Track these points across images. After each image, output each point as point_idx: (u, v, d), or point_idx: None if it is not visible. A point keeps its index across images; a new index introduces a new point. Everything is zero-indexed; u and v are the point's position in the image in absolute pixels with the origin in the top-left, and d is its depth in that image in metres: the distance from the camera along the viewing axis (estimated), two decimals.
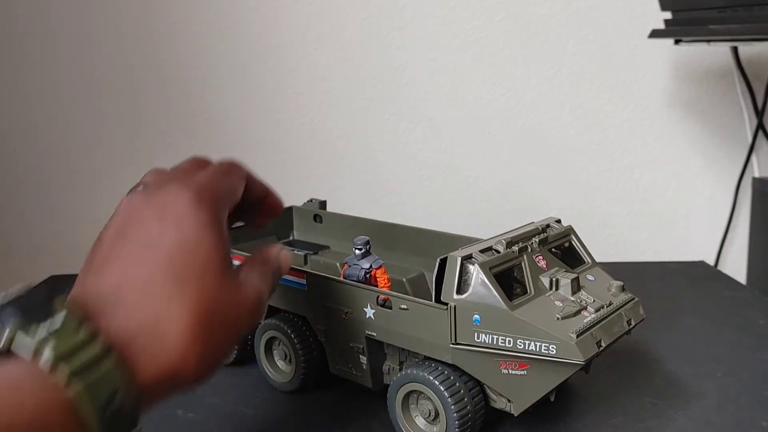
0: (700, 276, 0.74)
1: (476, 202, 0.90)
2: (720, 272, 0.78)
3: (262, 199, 0.36)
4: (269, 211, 0.37)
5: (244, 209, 0.36)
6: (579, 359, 0.34)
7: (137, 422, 0.24)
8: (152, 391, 0.25)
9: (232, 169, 0.33)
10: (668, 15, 0.71)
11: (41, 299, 0.24)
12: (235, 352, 0.51)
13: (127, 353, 0.24)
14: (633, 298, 0.42)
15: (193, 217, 0.28)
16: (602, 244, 0.89)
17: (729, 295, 0.68)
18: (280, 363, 0.49)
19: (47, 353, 0.22)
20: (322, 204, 0.63)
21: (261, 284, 0.31)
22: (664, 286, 0.71)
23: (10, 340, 0.22)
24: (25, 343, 0.22)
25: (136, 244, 0.27)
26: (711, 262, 0.88)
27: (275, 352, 0.49)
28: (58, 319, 0.23)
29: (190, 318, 0.25)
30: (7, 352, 0.22)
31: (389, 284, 0.46)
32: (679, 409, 0.45)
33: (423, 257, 0.53)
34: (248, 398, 0.47)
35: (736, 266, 0.88)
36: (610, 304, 0.39)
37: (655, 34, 0.71)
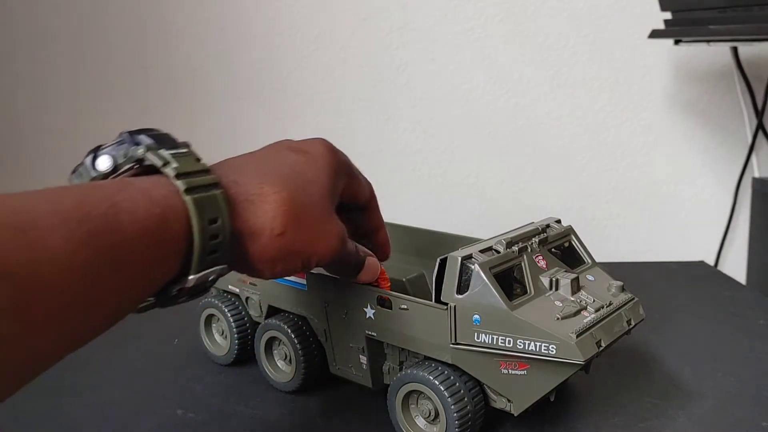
0: (700, 276, 0.74)
1: (476, 202, 0.90)
2: (720, 272, 0.78)
3: (375, 230, 0.41)
4: (379, 247, 0.42)
5: (360, 229, 0.41)
6: (579, 359, 0.34)
7: (223, 269, 0.29)
8: (238, 243, 0.29)
9: (367, 181, 0.40)
10: (668, 15, 0.71)
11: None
12: (236, 352, 0.51)
13: (231, 198, 0.29)
14: (633, 298, 0.42)
15: (320, 155, 0.34)
16: (602, 244, 0.89)
17: (729, 295, 0.68)
18: (280, 363, 0.49)
19: (172, 166, 0.28)
20: None
21: (346, 236, 0.36)
22: (664, 286, 0.71)
23: (143, 154, 0.28)
24: (156, 156, 0.28)
25: (270, 151, 0.34)
26: (711, 262, 0.88)
27: (275, 352, 0.49)
28: (182, 149, 0.29)
29: (283, 195, 0.30)
30: (139, 166, 0.29)
31: (389, 285, 0.46)
32: (679, 409, 0.45)
33: (423, 257, 0.53)
34: (248, 398, 0.47)
35: (736, 266, 0.88)
36: (610, 304, 0.39)
37: (655, 34, 0.71)
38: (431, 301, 0.39)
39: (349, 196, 0.38)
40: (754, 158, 0.85)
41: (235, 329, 0.51)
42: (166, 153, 0.28)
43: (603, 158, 0.88)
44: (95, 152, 0.30)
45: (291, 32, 0.86)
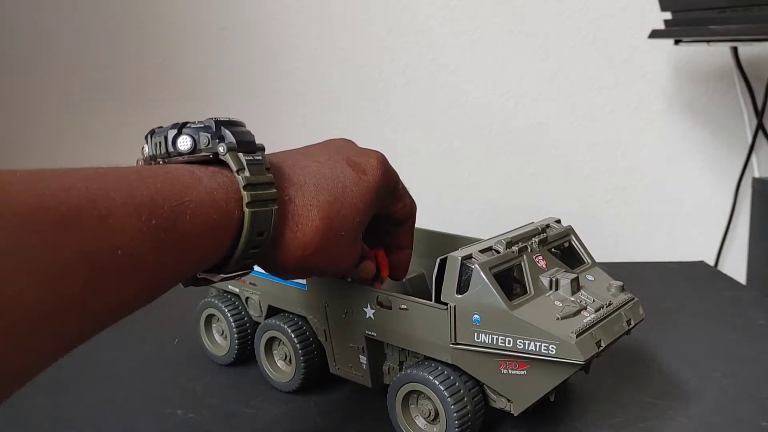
0: (700, 276, 0.74)
1: (476, 202, 0.90)
2: (720, 272, 0.78)
3: (402, 247, 0.43)
4: (398, 265, 0.43)
5: (389, 242, 0.42)
6: (579, 359, 0.34)
7: (251, 268, 0.32)
8: (272, 248, 0.32)
9: (413, 201, 0.42)
10: (668, 15, 0.71)
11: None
12: (236, 352, 0.51)
13: (282, 215, 0.31)
14: (633, 298, 0.42)
15: (374, 177, 0.36)
16: (602, 244, 0.89)
17: (729, 295, 0.67)
18: (280, 363, 0.49)
19: (246, 174, 0.30)
20: None
21: (360, 260, 0.39)
22: (664, 286, 0.71)
23: (224, 153, 0.30)
24: (234, 160, 0.30)
25: (330, 160, 0.35)
26: (711, 262, 0.88)
27: (275, 352, 0.49)
28: (257, 156, 0.31)
29: (325, 224, 0.33)
30: (216, 157, 0.30)
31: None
32: (679, 409, 0.45)
33: (423, 257, 0.53)
34: (248, 398, 0.47)
35: (736, 266, 0.88)
36: (609, 304, 0.39)
37: (655, 34, 0.71)
38: (431, 301, 0.39)
39: (387, 214, 0.40)
40: (754, 158, 0.85)
41: (235, 329, 0.51)
42: (243, 158, 0.30)
43: (603, 158, 0.88)
44: (180, 129, 0.31)
45: (291, 32, 0.86)
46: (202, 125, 0.31)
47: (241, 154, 0.30)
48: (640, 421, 0.43)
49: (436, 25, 0.85)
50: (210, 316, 0.54)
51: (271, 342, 0.49)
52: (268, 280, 0.48)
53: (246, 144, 0.31)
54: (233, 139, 0.30)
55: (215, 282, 0.32)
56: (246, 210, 0.29)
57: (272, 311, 0.49)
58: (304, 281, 0.45)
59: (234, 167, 0.30)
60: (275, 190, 0.31)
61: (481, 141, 0.88)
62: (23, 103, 0.88)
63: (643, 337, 0.56)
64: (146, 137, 0.33)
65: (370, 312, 0.42)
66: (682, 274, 0.75)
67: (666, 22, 0.71)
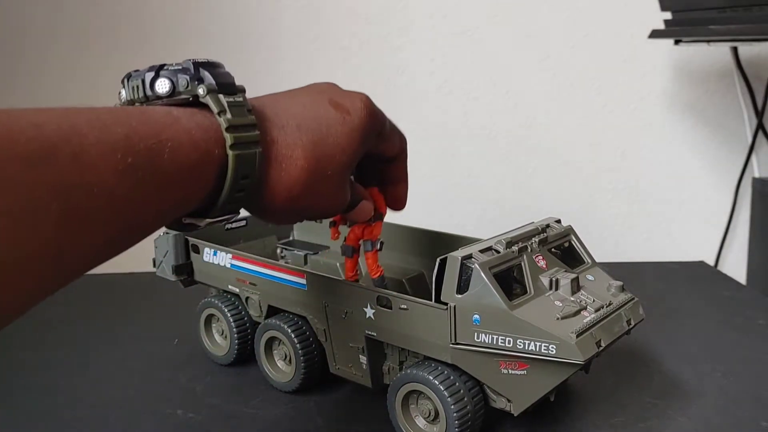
0: (700, 276, 0.74)
1: (476, 202, 0.90)
2: (720, 272, 0.78)
3: (396, 181, 0.42)
4: (395, 199, 0.42)
5: (383, 178, 0.42)
6: (579, 359, 0.34)
7: (237, 212, 0.32)
8: (257, 191, 0.31)
9: (403, 137, 0.41)
10: (668, 15, 0.71)
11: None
12: (236, 352, 0.51)
13: (266, 157, 0.31)
14: (632, 298, 0.42)
15: (358, 117, 0.35)
16: (602, 244, 0.89)
17: (729, 295, 0.68)
18: (280, 363, 0.49)
19: (228, 116, 0.29)
20: None
21: (356, 203, 0.39)
22: (664, 286, 0.71)
23: (203, 95, 0.29)
24: (215, 101, 0.29)
25: (314, 101, 0.34)
26: (711, 262, 0.88)
27: (275, 352, 0.49)
28: (238, 98, 0.30)
29: (309, 163, 0.32)
30: (195, 99, 0.30)
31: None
32: (679, 409, 0.45)
33: (423, 257, 0.53)
34: (248, 398, 0.47)
35: (736, 266, 0.88)
36: (609, 304, 0.39)
37: (655, 34, 0.71)
38: (431, 301, 0.39)
39: (377, 153, 0.39)
40: (754, 158, 0.85)
41: (235, 329, 0.51)
42: (223, 100, 0.29)
43: (603, 158, 0.88)
44: (158, 71, 0.31)
45: (291, 32, 0.86)
46: (180, 67, 0.31)
47: (221, 96, 0.30)
48: (640, 421, 0.43)
49: (436, 25, 0.85)
50: (210, 316, 0.54)
51: (271, 342, 0.49)
52: (269, 280, 0.48)
53: (226, 86, 0.30)
54: (213, 81, 0.30)
55: (201, 226, 0.31)
56: (230, 152, 0.29)
57: (272, 311, 0.49)
58: (304, 281, 0.45)
59: (215, 109, 0.29)
60: (258, 132, 0.30)
61: (481, 141, 0.88)
62: (21, 101, 0.88)
63: (643, 337, 0.56)
64: (123, 81, 0.32)
65: (370, 312, 0.42)
66: (682, 274, 0.75)
67: (666, 22, 0.71)
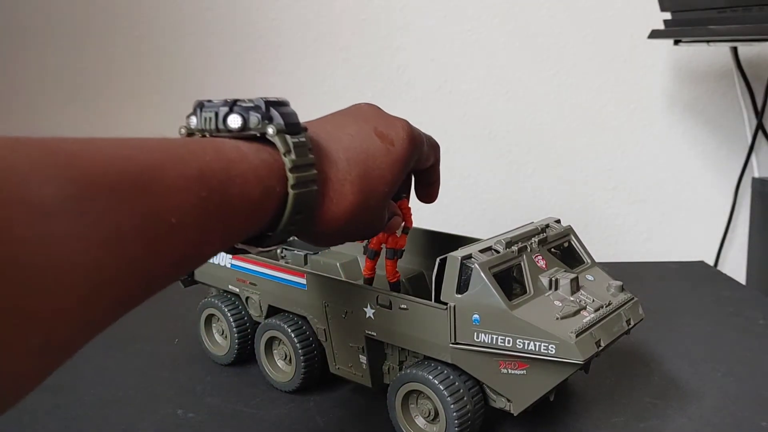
0: (700, 276, 0.74)
1: (476, 202, 0.90)
2: (720, 272, 0.78)
3: (430, 183, 0.45)
4: (426, 196, 0.45)
5: (418, 181, 0.45)
6: (578, 359, 0.34)
7: (286, 240, 0.34)
8: (308, 221, 0.33)
9: (436, 146, 0.43)
10: (668, 15, 0.71)
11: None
12: (236, 352, 0.51)
13: (320, 193, 0.33)
14: (632, 298, 0.42)
15: (401, 147, 0.37)
16: (602, 244, 0.89)
17: (729, 295, 0.68)
18: (280, 363, 0.49)
19: (292, 157, 0.31)
20: None
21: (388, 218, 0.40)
22: (664, 286, 0.71)
23: (273, 135, 0.31)
24: (282, 142, 0.31)
25: (360, 131, 0.36)
26: (711, 262, 0.88)
27: (275, 352, 0.49)
28: (301, 138, 0.32)
29: (357, 198, 0.34)
30: (263, 136, 0.31)
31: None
32: (678, 409, 0.45)
33: (423, 257, 0.53)
34: (248, 398, 0.47)
35: (736, 266, 0.88)
36: (609, 304, 0.39)
37: (654, 34, 0.71)
38: (431, 300, 0.39)
39: (415, 166, 0.41)
40: (754, 158, 0.85)
41: (235, 329, 0.51)
42: (289, 140, 0.31)
43: (603, 158, 0.88)
44: (231, 107, 0.32)
45: (291, 32, 0.86)
46: (252, 104, 0.32)
47: (288, 136, 0.31)
48: (640, 421, 0.43)
49: (436, 25, 0.85)
50: (210, 316, 0.54)
51: (271, 342, 0.49)
52: (269, 279, 0.48)
53: (292, 126, 0.32)
54: (281, 121, 0.31)
55: (251, 253, 0.34)
56: (291, 191, 0.30)
57: (272, 311, 0.49)
58: (304, 281, 0.45)
59: (282, 149, 0.31)
60: (316, 171, 0.32)
61: (481, 141, 0.88)
62: (20, 97, 0.88)
63: (642, 337, 0.56)
64: (195, 109, 0.34)
65: (370, 312, 0.42)
66: (681, 274, 0.75)
67: (666, 22, 0.71)
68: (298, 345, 0.46)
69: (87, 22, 0.86)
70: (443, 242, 0.51)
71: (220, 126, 0.32)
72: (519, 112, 0.87)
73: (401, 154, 0.37)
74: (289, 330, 0.46)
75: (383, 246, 0.45)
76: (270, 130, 0.31)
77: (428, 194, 0.45)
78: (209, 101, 0.33)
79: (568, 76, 0.86)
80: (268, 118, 0.31)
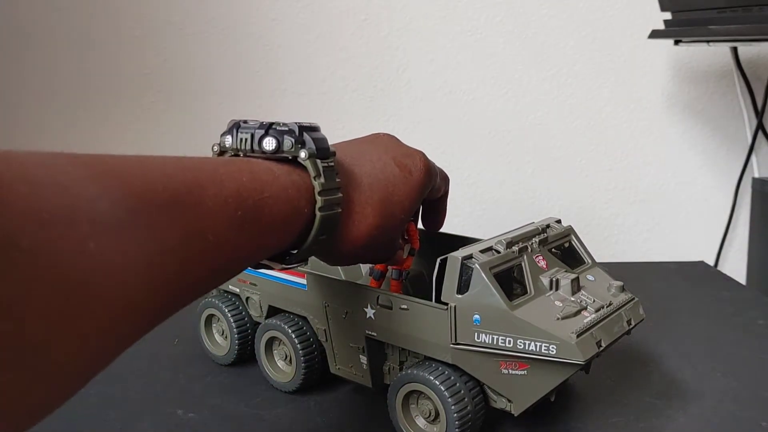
0: (700, 276, 0.74)
1: (476, 202, 0.90)
2: (720, 272, 0.78)
3: (437, 213, 0.47)
4: (433, 224, 0.48)
5: (425, 209, 0.47)
6: (579, 359, 0.34)
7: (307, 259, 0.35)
8: (329, 240, 0.34)
9: (446, 178, 0.45)
10: (668, 15, 0.71)
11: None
12: (236, 352, 0.51)
13: (343, 215, 0.34)
14: (633, 299, 0.42)
15: (418, 177, 0.39)
16: (602, 244, 0.89)
17: (729, 295, 0.68)
18: (280, 363, 0.49)
19: (321, 180, 0.32)
20: None
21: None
22: (664, 286, 0.71)
23: (304, 159, 0.33)
24: (313, 166, 0.33)
25: (381, 159, 0.38)
26: (711, 262, 0.88)
27: (275, 352, 0.49)
28: (330, 162, 0.33)
29: (377, 221, 0.36)
30: (294, 159, 0.33)
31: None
32: (679, 408, 0.45)
33: (423, 257, 0.53)
34: (248, 398, 0.47)
35: (736, 266, 0.88)
36: (610, 305, 0.39)
37: (654, 34, 0.71)
38: (431, 301, 0.39)
39: (426, 197, 0.42)
40: (754, 158, 0.85)
41: (235, 329, 0.51)
42: (320, 165, 0.33)
43: (603, 158, 0.88)
44: (267, 130, 0.34)
45: (291, 32, 0.86)
46: (287, 128, 0.34)
47: (318, 161, 0.33)
48: (640, 421, 0.43)
49: (436, 25, 0.85)
50: (210, 316, 0.54)
51: (271, 342, 0.49)
52: (269, 280, 0.48)
53: (323, 150, 0.34)
54: (313, 146, 0.33)
55: (274, 269, 0.35)
56: (318, 213, 0.32)
57: (272, 311, 0.49)
58: (304, 281, 0.45)
59: (312, 173, 0.33)
60: (341, 195, 0.34)
61: (481, 141, 0.88)
62: (25, 105, 0.88)
63: (642, 337, 0.56)
64: (231, 129, 0.35)
65: (370, 312, 0.42)
66: (681, 274, 0.75)
67: (666, 22, 0.71)
68: (298, 345, 0.46)
69: (86, 23, 0.86)
70: (443, 242, 0.51)
71: (255, 147, 0.34)
72: (519, 112, 0.87)
73: (418, 183, 0.39)
74: (290, 330, 0.46)
75: (389, 268, 0.46)
76: (302, 154, 0.33)
77: (435, 222, 0.47)
78: (245, 122, 0.35)
79: (568, 76, 0.86)
80: (301, 143, 0.33)
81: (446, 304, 0.38)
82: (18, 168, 0.20)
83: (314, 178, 0.32)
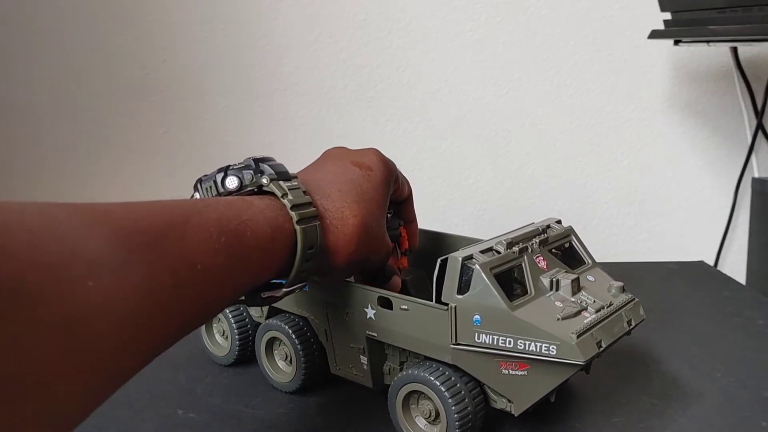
0: (699, 276, 0.74)
1: (476, 202, 0.90)
2: (720, 272, 0.78)
3: (408, 222, 0.48)
4: (410, 238, 0.49)
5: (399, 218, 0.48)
6: (579, 360, 0.34)
7: (307, 280, 0.37)
8: (321, 256, 0.36)
9: (407, 180, 0.47)
10: (668, 15, 0.71)
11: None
12: (237, 352, 0.51)
13: (323, 223, 0.36)
14: (633, 299, 0.42)
15: (378, 170, 0.41)
16: (602, 245, 0.89)
17: (729, 295, 0.68)
18: (281, 363, 0.49)
19: (290, 197, 0.34)
20: None
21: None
22: (664, 286, 0.71)
23: (267, 184, 0.35)
24: (278, 188, 0.35)
25: (339, 167, 0.40)
26: (711, 262, 0.88)
27: (276, 352, 0.49)
28: (294, 182, 0.35)
29: (358, 220, 0.37)
30: (260, 189, 0.35)
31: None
32: (678, 409, 0.45)
33: (423, 257, 0.53)
34: (248, 398, 0.47)
35: (736, 266, 0.88)
36: (610, 305, 0.39)
37: (654, 34, 0.71)
38: (432, 301, 0.39)
39: (393, 198, 0.44)
40: (753, 158, 0.85)
41: (236, 330, 0.51)
42: (284, 185, 0.35)
43: (603, 158, 0.88)
44: (225, 172, 0.37)
45: (291, 32, 0.86)
46: (243, 165, 0.37)
47: (281, 182, 0.35)
48: (640, 421, 0.43)
49: (436, 25, 0.85)
50: None
51: (271, 342, 0.49)
52: None
53: (283, 174, 0.36)
54: (272, 171, 0.36)
55: (278, 298, 0.36)
56: (297, 227, 0.34)
57: (273, 311, 0.49)
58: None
59: (278, 193, 0.34)
60: (314, 208, 0.35)
61: (481, 141, 0.88)
62: (24, 110, 0.88)
63: (643, 337, 0.56)
64: (195, 186, 0.38)
65: (371, 312, 0.42)
66: (681, 274, 0.75)
67: (666, 22, 0.71)
68: (298, 346, 0.46)
69: (86, 23, 0.86)
70: (444, 243, 0.51)
71: (221, 189, 0.36)
72: (519, 112, 0.87)
73: (381, 176, 0.40)
74: (290, 330, 0.46)
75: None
76: (264, 181, 0.35)
77: (411, 234, 0.48)
78: (205, 175, 0.37)
79: (568, 76, 0.86)
80: (259, 172, 0.36)
81: (446, 304, 0.38)
82: (18, 217, 0.21)
83: (282, 197, 0.34)
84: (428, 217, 0.90)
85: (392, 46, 0.86)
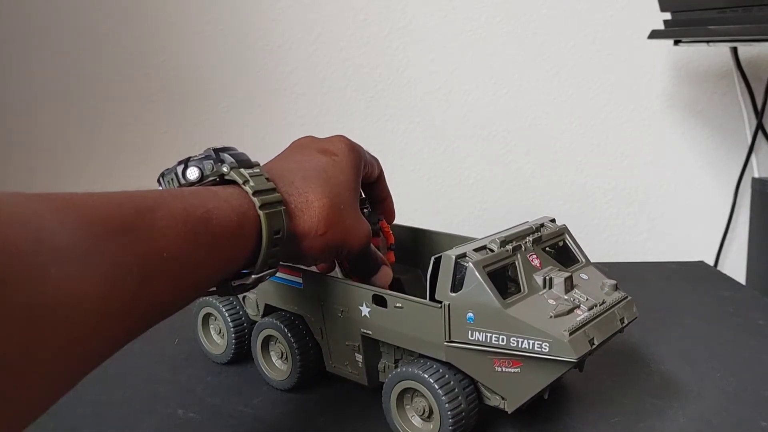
0: (699, 276, 0.74)
1: (476, 202, 0.90)
2: (720, 272, 0.78)
3: (383, 199, 0.48)
4: (386, 213, 0.49)
5: (370, 198, 0.48)
6: (571, 357, 0.34)
7: (277, 266, 0.36)
8: (291, 242, 0.36)
9: (375, 158, 0.46)
10: (668, 15, 0.71)
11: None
12: (233, 351, 0.51)
13: (289, 211, 0.36)
14: (626, 297, 0.42)
15: (344, 155, 0.41)
16: (602, 244, 0.89)
17: (729, 295, 0.67)
18: (276, 361, 0.49)
19: (251, 184, 0.34)
20: None
21: (371, 234, 0.42)
22: (664, 286, 0.71)
23: (228, 172, 0.35)
24: (239, 175, 0.35)
25: (304, 155, 0.40)
26: (711, 262, 0.88)
27: (272, 350, 0.49)
28: (255, 169, 0.36)
29: (323, 203, 0.37)
30: (222, 178, 0.35)
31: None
32: (678, 408, 0.44)
33: (422, 257, 0.53)
34: (248, 398, 0.47)
35: (736, 266, 0.88)
36: (603, 303, 0.39)
37: (654, 34, 0.71)
38: (426, 299, 0.39)
39: (364, 179, 0.44)
40: (753, 158, 0.84)
41: (232, 328, 0.51)
42: (245, 172, 0.35)
43: (603, 158, 0.88)
44: (185, 163, 0.37)
45: (291, 32, 0.86)
46: (204, 155, 0.37)
47: (242, 170, 0.35)
48: (640, 421, 0.43)
49: (436, 25, 0.85)
50: (207, 315, 0.54)
51: (267, 340, 0.49)
52: None
53: (244, 162, 0.36)
54: (233, 159, 0.36)
55: (248, 285, 0.35)
56: (260, 212, 0.34)
57: (269, 310, 0.49)
58: (300, 280, 0.45)
59: (240, 180, 0.34)
60: (278, 194, 0.35)
61: (481, 141, 0.88)
62: (24, 110, 0.89)
63: (642, 336, 0.55)
64: (158, 180, 0.38)
65: (365, 310, 0.42)
66: (681, 274, 0.75)
67: (666, 22, 0.71)
68: (294, 343, 0.46)
69: (86, 23, 0.86)
70: (440, 241, 0.51)
71: (182, 181, 0.37)
72: (519, 112, 0.87)
73: (348, 161, 0.41)
74: (285, 328, 0.46)
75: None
76: (225, 169, 0.35)
77: (386, 209, 0.48)
78: (167, 169, 0.38)
79: (568, 76, 0.86)
80: (220, 161, 0.36)
81: (440, 302, 0.38)
82: None
83: (244, 184, 0.34)
84: (428, 217, 0.90)
85: (392, 46, 0.86)
